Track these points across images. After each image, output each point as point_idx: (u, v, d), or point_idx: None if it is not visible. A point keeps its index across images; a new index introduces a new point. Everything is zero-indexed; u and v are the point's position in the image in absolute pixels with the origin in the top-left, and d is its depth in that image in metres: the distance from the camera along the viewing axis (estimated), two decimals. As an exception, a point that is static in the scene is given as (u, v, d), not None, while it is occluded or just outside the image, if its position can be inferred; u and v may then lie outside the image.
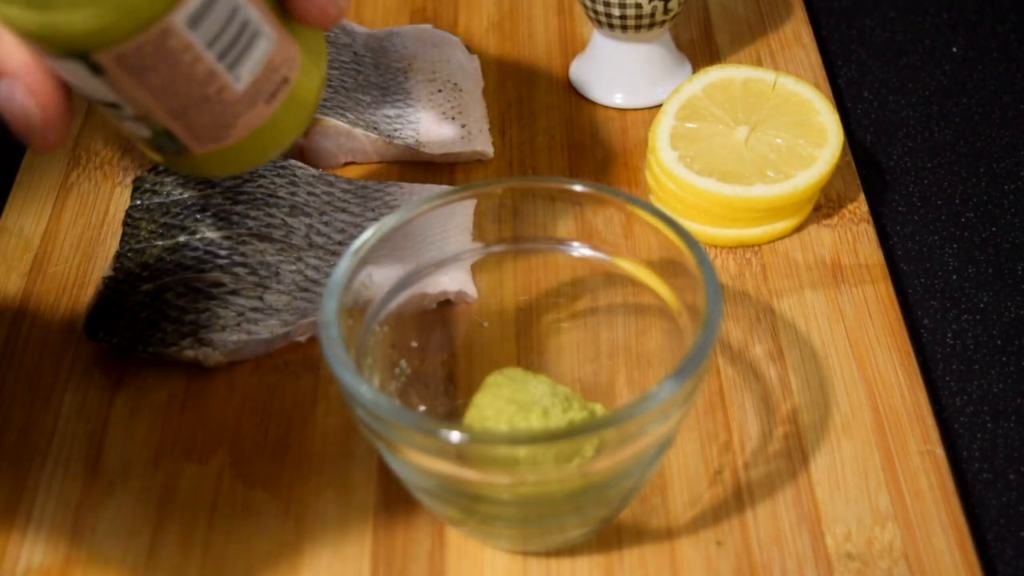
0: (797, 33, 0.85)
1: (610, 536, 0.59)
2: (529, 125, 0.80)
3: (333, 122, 0.76)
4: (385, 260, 0.60)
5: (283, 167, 0.73)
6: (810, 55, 0.84)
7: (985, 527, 0.61)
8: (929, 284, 0.72)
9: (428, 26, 0.85)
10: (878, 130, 0.82)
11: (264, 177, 0.72)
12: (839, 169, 0.74)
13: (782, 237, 0.72)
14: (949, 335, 0.69)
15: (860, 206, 0.74)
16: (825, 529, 0.59)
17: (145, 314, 0.67)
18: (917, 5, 0.91)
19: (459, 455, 0.52)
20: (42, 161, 0.79)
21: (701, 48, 0.85)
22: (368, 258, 0.58)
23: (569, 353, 0.64)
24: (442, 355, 0.65)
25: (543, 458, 0.52)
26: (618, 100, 0.81)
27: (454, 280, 0.67)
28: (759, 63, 0.83)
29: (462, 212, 0.67)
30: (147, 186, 0.73)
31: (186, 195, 0.72)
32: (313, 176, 0.74)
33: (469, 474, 0.52)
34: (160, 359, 0.66)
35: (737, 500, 0.60)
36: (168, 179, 0.73)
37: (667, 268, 0.59)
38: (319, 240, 0.71)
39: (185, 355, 0.65)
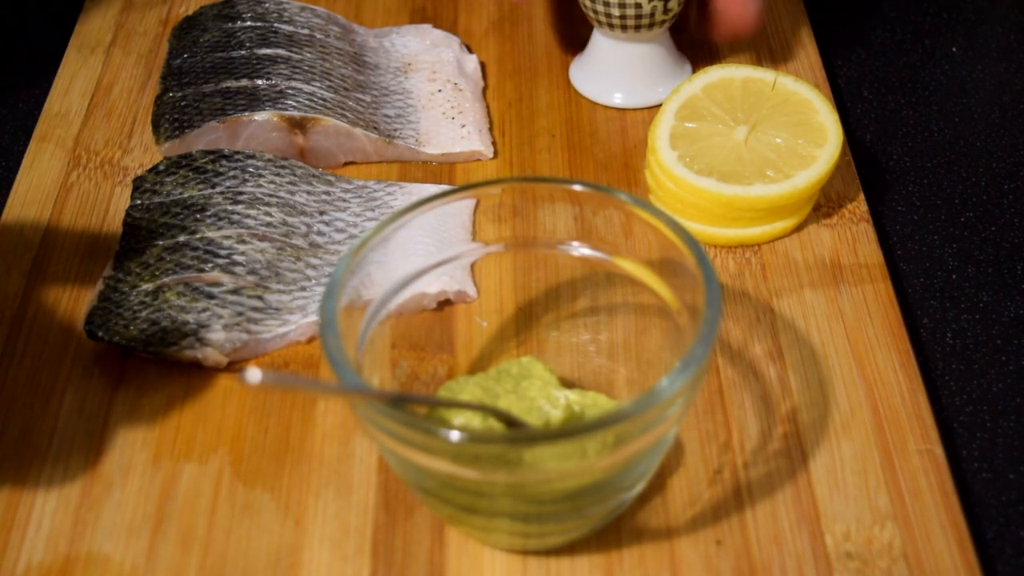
0: (797, 33, 0.85)
1: (610, 536, 0.59)
2: (529, 125, 0.80)
3: (333, 122, 0.76)
4: (385, 260, 0.60)
5: (283, 167, 0.73)
6: (810, 55, 0.84)
7: (985, 527, 0.61)
8: (929, 284, 0.72)
9: (428, 26, 0.85)
10: (878, 130, 0.82)
11: (264, 177, 0.72)
12: (839, 169, 0.74)
13: (782, 237, 0.72)
14: (949, 335, 0.69)
15: (860, 206, 0.74)
16: (824, 528, 0.59)
17: (145, 314, 0.67)
18: (917, 5, 0.91)
19: (459, 454, 0.52)
20: (42, 161, 0.79)
21: (701, 48, 0.85)
22: (368, 258, 0.58)
23: (569, 353, 0.65)
24: (442, 355, 0.65)
25: (543, 457, 0.52)
26: (618, 100, 0.81)
27: (454, 280, 0.67)
28: (759, 63, 0.83)
29: (462, 212, 0.67)
30: (147, 186, 0.73)
31: (186, 195, 0.72)
32: (313, 176, 0.74)
33: (469, 473, 0.52)
34: (160, 359, 0.66)
35: (737, 500, 0.60)
36: (168, 179, 0.73)
37: (667, 267, 0.59)
38: (319, 240, 0.71)
39: (185, 355, 0.65)
